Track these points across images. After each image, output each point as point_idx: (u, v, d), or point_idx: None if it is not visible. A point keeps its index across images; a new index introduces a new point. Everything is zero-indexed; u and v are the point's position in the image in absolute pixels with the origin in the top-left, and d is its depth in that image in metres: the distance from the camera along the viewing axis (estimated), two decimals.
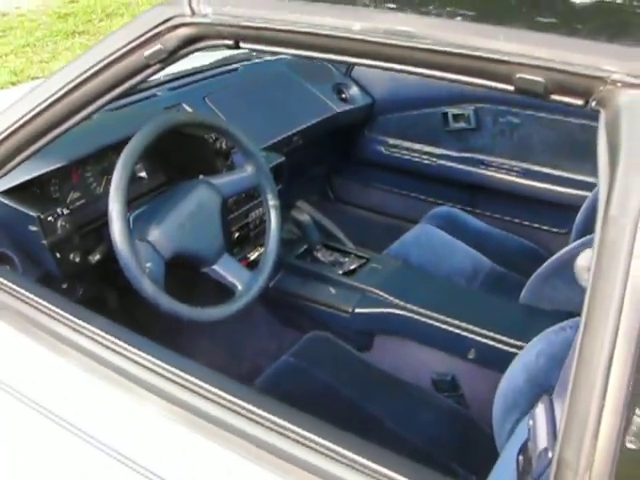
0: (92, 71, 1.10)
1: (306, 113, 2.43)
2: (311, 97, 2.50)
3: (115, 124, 1.79)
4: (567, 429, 0.69)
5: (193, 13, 1.01)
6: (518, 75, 0.76)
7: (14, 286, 1.24)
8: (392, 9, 0.87)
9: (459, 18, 0.81)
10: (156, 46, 1.05)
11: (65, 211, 1.48)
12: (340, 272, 1.89)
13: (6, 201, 1.47)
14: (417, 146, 2.64)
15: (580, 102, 0.74)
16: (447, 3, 0.87)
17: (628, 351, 0.64)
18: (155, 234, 1.51)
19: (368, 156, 2.79)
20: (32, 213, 1.44)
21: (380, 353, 1.79)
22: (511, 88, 0.77)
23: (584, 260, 0.74)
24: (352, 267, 1.91)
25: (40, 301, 1.19)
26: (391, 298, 1.76)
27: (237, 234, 1.90)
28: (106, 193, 1.53)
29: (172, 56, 1.06)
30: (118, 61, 1.08)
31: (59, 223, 1.47)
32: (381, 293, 1.78)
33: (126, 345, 1.11)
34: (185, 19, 1.02)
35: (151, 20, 1.04)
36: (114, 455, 1.07)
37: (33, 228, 1.45)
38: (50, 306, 1.18)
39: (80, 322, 1.15)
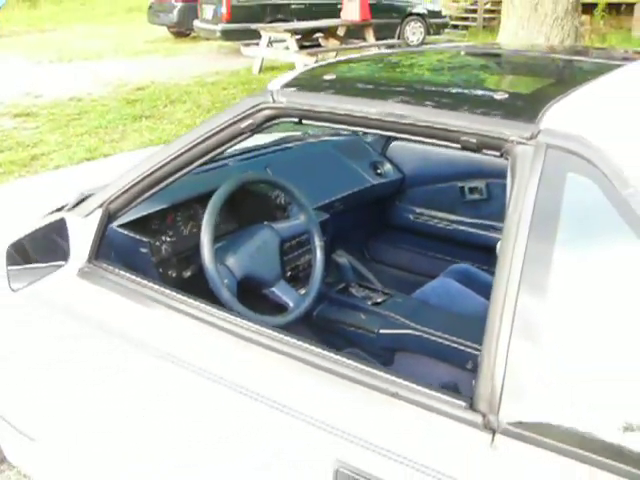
0: (204, 137, 1.62)
1: (347, 184, 2.85)
2: (351, 171, 2.93)
3: (199, 183, 2.28)
4: (485, 337, 1.19)
5: (274, 101, 1.57)
6: (462, 138, 1.28)
7: (142, 280, 1.71)
8: (392, 101, 1.42)
9: (430, 105, 1.35)
10: (249, 121, 1.58)
11: (167, 239, 1.99)
12: (369, 303, 2.29)
13: (124, 231, 1.98)
14: (439, 214, 3.04)
15: (497, 154, 1.24)
16: (424, 96, 1.42)
17: (513, 291, 1.14)
18: (231, 260, 1.99)
19: (398, 222, 3.21)
20: (144, 239, 1.95)
21: (399, 366, 2.16)
22: (458, 146, 1.29)
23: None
24: (379, 300, 2.31)
25: (161, 289, 1.67)
26: (408, 322, 2.15)
27: (290, 273, 2.34)
28: (191, 235, 2.03)
29: (259, 127, 1.59)
30: (222, 130, 1.61)
31: (163, 247, 1.98)
32: (400, 318, 2.17)
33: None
34: (269, 104, 1.57)
35: (247, 104, 1.59)
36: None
37: (144, 250, 1.96)
38: (168, 291, 1.67)
39: (191, 301, 1.62)
